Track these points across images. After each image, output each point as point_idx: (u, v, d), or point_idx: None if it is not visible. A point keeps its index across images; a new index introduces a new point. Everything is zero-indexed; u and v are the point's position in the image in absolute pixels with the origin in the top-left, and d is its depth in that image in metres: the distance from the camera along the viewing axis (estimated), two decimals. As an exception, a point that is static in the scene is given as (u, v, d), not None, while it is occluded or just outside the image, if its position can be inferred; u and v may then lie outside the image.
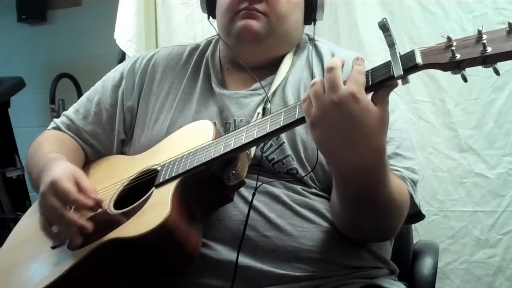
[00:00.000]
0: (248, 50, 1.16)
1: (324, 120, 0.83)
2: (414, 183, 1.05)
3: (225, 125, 1.11)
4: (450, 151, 1.79)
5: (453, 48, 0.77)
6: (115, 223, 0.97)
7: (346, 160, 0.86)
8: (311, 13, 1.19)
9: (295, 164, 1.06)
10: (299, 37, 1.22)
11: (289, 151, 1.06)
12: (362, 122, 0.81)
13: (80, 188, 1.00)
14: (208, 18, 1.25)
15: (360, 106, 0.81)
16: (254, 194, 1.00)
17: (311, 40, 1.22)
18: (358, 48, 1.80)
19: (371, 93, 0.84)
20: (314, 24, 1.21)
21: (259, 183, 1.01)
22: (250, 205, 0.99)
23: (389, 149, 1.04)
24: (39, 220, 1.02)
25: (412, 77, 0.81)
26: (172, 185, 0.95)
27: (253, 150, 1.04)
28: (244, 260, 0.98)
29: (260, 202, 1.02)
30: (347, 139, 0.83)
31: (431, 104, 1.79)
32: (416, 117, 1.79)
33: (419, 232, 1.73)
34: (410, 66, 0.79)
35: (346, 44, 1.82)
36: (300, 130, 1.07)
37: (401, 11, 1.80)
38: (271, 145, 1.07)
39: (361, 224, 0.99)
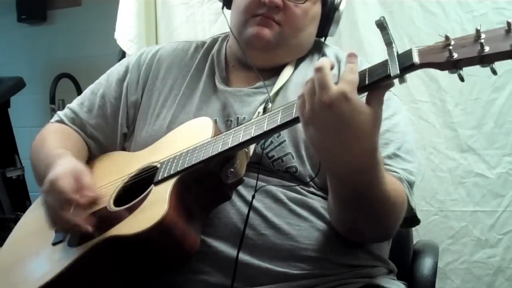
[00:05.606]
0: (256, 55, 1.16)
1: (316, 119, 0.82)
2: (410, 185, 1.05)
3: (226, 122, 1.11)
4: (450, 151, 1.79)
5: (451, 47, 0.76)
6: (115, 220, 0.97)
7: (339, 160, 0.86)
8: (324, 27, 1.20)
9: (295, 162, 1.06)
10: (309, 48, 1.21)
11: (289, 148, 1.06)
12: (353, 123, 0.80)
13: (79, 185, 0.99)
14: (222, 8, 1.24)
15: (352, 107, 0.79)
16: (253, 196, 1.00)
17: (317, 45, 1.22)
18: (358, 49, 1.80)
19: (366, 93, 0.83)
20: (325, 39, 1.22)
21: (259, 185, 1.01)
22: (250, 205, 0.99)
23: (389, 149, 1.04)
24: (46, 218, 1.02)
25: (412, 76, 0.81)
26: (171, 183, 0.96)
27: (251, 148, 1.04)
28: (243, 256, 0.98)
29: (257, 201, 1.02)
30: (339, 139, 0.82)
31: (431, 104, 1.79)
32: (416, 117, 1.78)
33: (419, 232, 1.72)
34: (407, 65, 0.79)
35: (347, 45, 1.82)
36: (302, 128, 1.07)
37: (401, 11, 1.80)
38: (272, 142, 1.07)
39: (358, 224, 0.99)
